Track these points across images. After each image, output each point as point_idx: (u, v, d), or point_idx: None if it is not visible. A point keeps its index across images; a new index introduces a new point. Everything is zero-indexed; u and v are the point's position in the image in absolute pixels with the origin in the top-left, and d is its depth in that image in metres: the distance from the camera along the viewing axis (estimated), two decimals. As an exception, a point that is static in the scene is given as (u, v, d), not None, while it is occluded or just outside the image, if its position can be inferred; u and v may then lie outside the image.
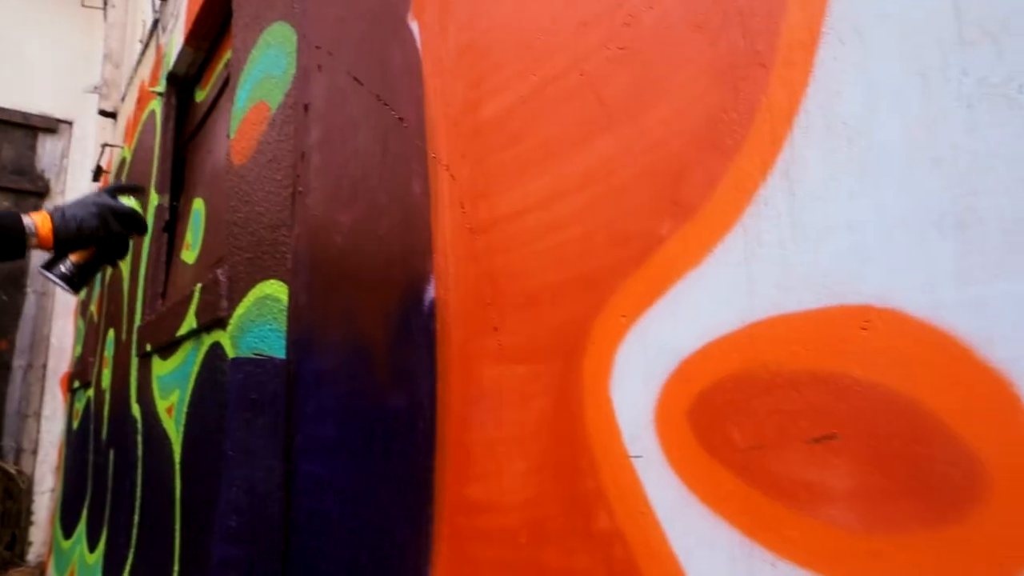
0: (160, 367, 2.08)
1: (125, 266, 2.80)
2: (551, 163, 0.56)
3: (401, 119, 0.78)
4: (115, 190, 1.00)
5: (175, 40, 2.31)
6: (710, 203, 0.42)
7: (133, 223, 1.00)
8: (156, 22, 2.63)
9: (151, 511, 2.00)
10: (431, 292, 0.69)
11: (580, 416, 0.50)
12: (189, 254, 2.15)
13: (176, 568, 1.58)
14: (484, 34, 0.66)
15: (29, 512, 4.23)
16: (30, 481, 4.24)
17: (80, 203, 0.99)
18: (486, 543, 0.57)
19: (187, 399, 1.76)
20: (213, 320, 1.56)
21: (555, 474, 0.51)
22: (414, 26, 0.77)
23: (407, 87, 0.77)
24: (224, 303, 1.51)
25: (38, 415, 4.37)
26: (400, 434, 0.71)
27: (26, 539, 4.18)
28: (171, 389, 1.92)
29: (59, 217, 0.95)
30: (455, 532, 0.61)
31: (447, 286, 0.67)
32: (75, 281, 0.97)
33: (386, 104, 0.80)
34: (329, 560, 0.77)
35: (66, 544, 3.57)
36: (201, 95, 2.32)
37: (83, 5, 4.09)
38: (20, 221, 0.93)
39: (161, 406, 2.01)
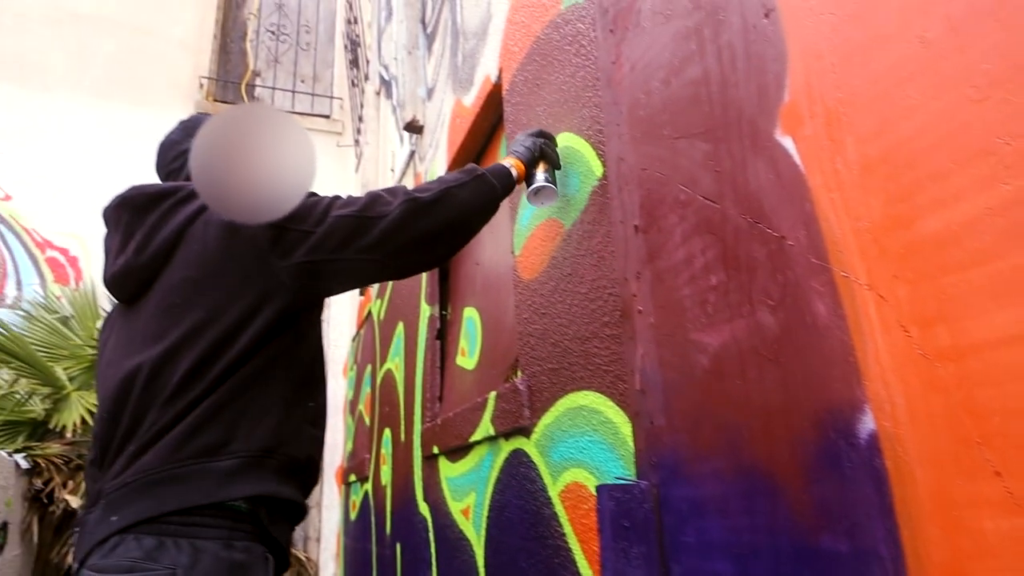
0: (449, 469, 2.20)
1: (398, 371, 3.08)
2: (1060, 282, 0.49)
3: (782, 237, 0.75)
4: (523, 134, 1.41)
5: (436, 167, 2.57)
6: None
7: (549, 137, 1.40)
8: (412, 153, 2.96)
9: (451, 609, 2.08)
10: (868, 423, 0.63)
11: None
12: (466, 360, 2.29)
13: None
14: (904, 144, 0.62)
15: (316, 596, 4.66)
16: (316, 567, 4.71)
17: (515, 143, 1.39)
18: None
19: (486, 503, 1.83)
20: (514, 428, 1.62)
21: None
22: (786, 141, 0.75)
23: (788, 204, 0.74)
24: (526, 412, 1.56)
25: (319, 505, 4.88)
26: (846, 583, 0.64)
27: (315, 622, 4.59)
28: (465, 491, 2.02)
29: (515, 153, 1.35)
30: None
31: (895, 418, 0.61)
32: (553, 181, 1.34)
33: (757, 223, 0.78)
34: None
35: (353, 630, 3.86)
36: (461, 212, 2.54)
37: (338, 145, 4.77)
38: (504, 167, 1.30)
39: (454, 507, 2.11)
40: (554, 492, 1.41)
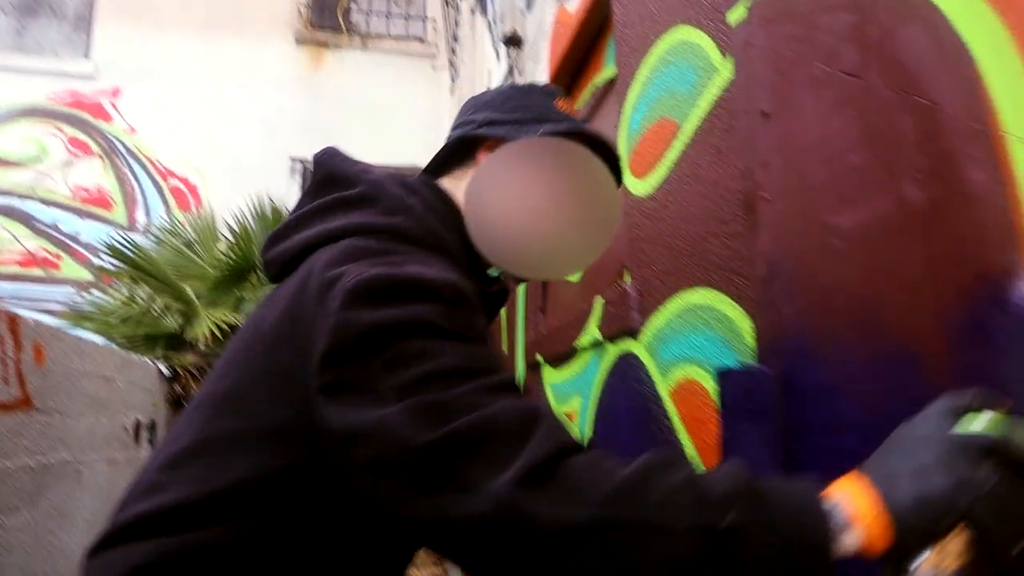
0: (552, 375, 2.29)
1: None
2: None
3: (935, 104, 0.72)
4: (961, 409, 0.55)
5: (536, 80, 2.55)
6: None
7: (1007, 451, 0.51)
8: (511, 68, 2.94)
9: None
10: (1021, 291, 0.62)
11: None
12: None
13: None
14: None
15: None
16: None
17: (910, 452, 0.54)
18: None
19: (591, 405, 1.90)
20: (622, 331, 1.66)
21: None
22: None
23: (941, 69, 0.71)
24: (635, 315, 1.59)
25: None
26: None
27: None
28: (569, 396, 2.10)
29: (891, 493, 0.52)
30: None
31: (1059, 280, 0.59)
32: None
33: (906, 92, 0.75)
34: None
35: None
36: (561, 125, 2.52)
37: (432, 68, 4.79)
38: (822, 515, 0.52)
39: (558, 411, 2.20)
40: (664, 390, 1.44)
